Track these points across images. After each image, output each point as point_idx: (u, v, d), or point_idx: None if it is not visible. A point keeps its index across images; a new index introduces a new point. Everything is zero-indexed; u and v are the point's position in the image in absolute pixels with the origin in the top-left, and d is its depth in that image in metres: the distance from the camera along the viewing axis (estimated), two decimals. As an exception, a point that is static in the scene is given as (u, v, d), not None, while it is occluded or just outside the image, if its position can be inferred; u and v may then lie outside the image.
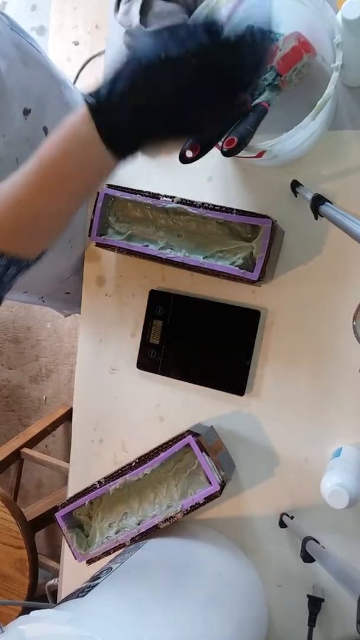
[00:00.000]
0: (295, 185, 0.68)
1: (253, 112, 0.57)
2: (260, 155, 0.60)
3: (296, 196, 0.68)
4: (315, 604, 0.67)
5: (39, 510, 1.38)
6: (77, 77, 1.81)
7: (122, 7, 0.74)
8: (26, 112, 0.64)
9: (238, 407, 0.73)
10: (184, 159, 0.55)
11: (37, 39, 0.78)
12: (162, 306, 0.77)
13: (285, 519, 0.69)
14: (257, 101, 0.60)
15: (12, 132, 0.63)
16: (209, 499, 0.65)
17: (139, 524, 0.69)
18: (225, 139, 0.54)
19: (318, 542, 0.62)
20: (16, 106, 0.60)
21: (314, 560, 0.60)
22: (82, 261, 0.84)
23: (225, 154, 0.54)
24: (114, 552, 0.70)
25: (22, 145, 0.65)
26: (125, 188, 0.72)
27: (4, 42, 0.62)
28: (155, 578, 0.61)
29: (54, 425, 1.69)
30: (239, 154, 0.60)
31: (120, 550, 0.70)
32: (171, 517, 0.67)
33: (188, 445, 0.66)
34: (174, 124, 0.44)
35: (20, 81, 0.63)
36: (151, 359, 0.78)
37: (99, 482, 0.71)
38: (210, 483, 0.65)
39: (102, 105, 0.42)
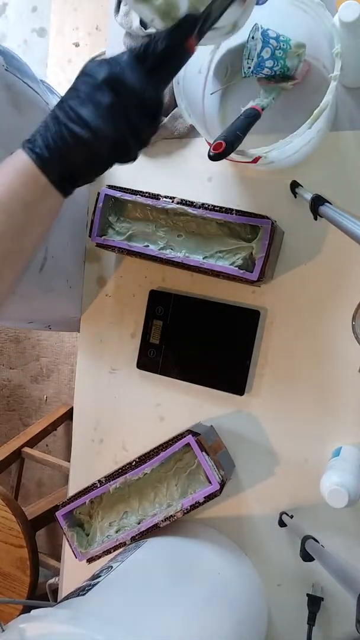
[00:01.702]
0: (294, 185, 0.68)
1: (245, 116, 0.57)
2: (256, 160, 0.60)
3: (295, 197, 0.69)
4: (314, 602, 0.68)
5: (39, 509, 1.38)
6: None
7: (123, 8, 0.74)
8: None
9: (238, 406, 0.74)
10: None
11: (37, 40, 0.78)
12: (162, 306, 0.77)
13: (285, 518, 0.69)
14: (249, 105, 0.60)
15: None
16: (209, 498, 0.65)
17: (139, 523, 0.70)
18: (213, 143, 0.54)
19: (317, 541, 0.62)
20: (1, 151, 0.60)
21: (314, 559, 0.60)
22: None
23: (212, 158, 0.54)
24: (114, 550, 0.71)
25: None
26: (125, 189, 0.72)
27: None
28: (155, 577, 0.61)
29: (54, 425, 1.69)
30: (234, 159, 0.60)
31: (121, 549, 0.70)
32: (171, 516, 0.67)
33: (188, 444, 0.66)
34: (105, 165, 0.50)
35: (8, 125, 0.62)
36: (151, 359, 0.78)
37: (99, 481, 0.71)
38: (210, 482, 0.65)
39: (49, 159, 0.46)
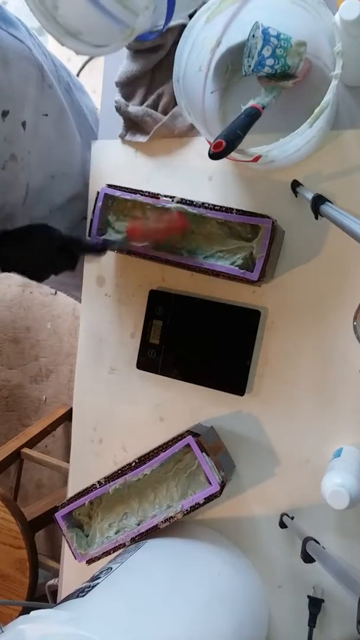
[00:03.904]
0: (295, 185, 0.68)
1: (245, 115, 0.57)
2: (256, 159, 0.59)
3: (296, 196, 0.68)
4: (315, 604, 0.67)
5: (39, 510, 1.38)
6: (77, 77, 1.81)
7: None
8: (4, 114, 0.64)
9: (238, 407, 0.73)
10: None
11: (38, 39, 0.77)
12: (162, 306, 0.77)
13: (286, 519, 0.69)
14: (250, 103, 0.60)
15: None
16: (209, 499, 0.65)
17: (138, 524, 0.69)
18: (213, 142, 0.53)
19: (318, 543, 0.62)
20: None
21: (314, 561, 0.59)
22: (74, 232, 0.85)
23: (213, 156, 0.54)
24: (113, 552, 0.70)
25: (0, 145, 0.66)
26: (125, 188, 0.72)
27: None
28: (155, 578, 0.61)
29: (53, 426, 1.69)
30: (235, 158, 0.60)
31: (120, 551, 0.70)
32: (171, 517, 0.67)
33: (188, 445, 0.66)
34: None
35: None
36: (151, 359, 0.78)
37: (98, 482, 0.71)
38: (210, 483, 0.65)
39: None
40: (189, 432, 0.67)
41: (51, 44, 0.67)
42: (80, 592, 0.57)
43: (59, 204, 0.84)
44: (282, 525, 0.69)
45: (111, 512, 0.72)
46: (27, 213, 0.78)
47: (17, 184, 0.73)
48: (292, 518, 0.68)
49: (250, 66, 0.64)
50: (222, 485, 0.65)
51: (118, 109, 0.78)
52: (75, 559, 0.72)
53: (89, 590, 0.57)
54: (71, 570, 0.83)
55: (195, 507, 0.66)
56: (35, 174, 0.76)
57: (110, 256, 0.81)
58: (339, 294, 0.68)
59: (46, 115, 0.72)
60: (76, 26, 0.51)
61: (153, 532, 0.68)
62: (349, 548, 0.67)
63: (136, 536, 0.69)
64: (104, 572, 0.62)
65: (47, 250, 0.70)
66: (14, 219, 0.77)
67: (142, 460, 0.69)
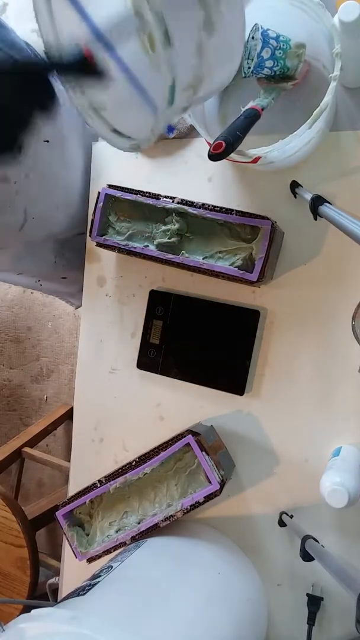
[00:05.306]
0: (294, 185, 0.68)
1: (244, 117, 0.57)
2: (255, 161, 0.60)
3: (295, 197, 0.69)
4: (314, 602, 0.68)
5: (39, 509, 1.38)
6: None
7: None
8: None
9: (238, 406, 0.74)
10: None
11: (37, 40, 0.77)
12: (162, 306, 0.77)
13: (285, 517, 0.69)
14: (249, 105, 0.60)
15: None
16: (209, 498, 0.65)
17: (139, 523, 0.70)
18: (213, 143, 0.54)
19: (317, 541, 0.62)
20: None
21: (313, 559, 0.60)
22: (65, 246, 0.84)
23: (212, 158, 0.54)
24: (114, 550, 0.71)
25: None
26: (126, 188, 0.72)
27: None
28: (155, 576, 0.61)
29: (54, 425, 1.69)
30: (234, 159, 0.60)
31: (121, 549, 0.70)
32: (171, 516, 0.67)
33: (188, 444, 0.66)
34: None
35: None
36: (151, 359, 0.78)
37: (99, 481, 0.71)
38: (210, 482, 0.65)
39: None
40: (189, 431, 0.67)
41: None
42: (81, 591, 0.57)
43: (58, 232, 0.84)
44: (282, 523, 0.69)
45: (112, 510, 0.73)
46: (22, 239, 0.77)
47: (12, 207, 0.71)
48: (292, 517, 0.69)
49: (249, 68, 0.64)
50: (222, 484, 0.65)
51: (118, 110, 0.78)
52: (76, 557, 0.73)
53: (90, 589, 0.57)
54: (72, 569, 0.84)
55: (195, 506, 0.66)
56: (35, 201, 0.74)
57: (110, 257, 0.81)
58: (337, 294, 0.68)
59: (47, 141, 0.72)
60: (101, 100, 0.50)
61: (153, 531, 0.68)
62: (348, 546, 0.67)
63: (136, 535, 0.69)
64: (104, 571, 0.62)
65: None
66: (7, 244, 0.76)
67: (143, 459, 0.69)
